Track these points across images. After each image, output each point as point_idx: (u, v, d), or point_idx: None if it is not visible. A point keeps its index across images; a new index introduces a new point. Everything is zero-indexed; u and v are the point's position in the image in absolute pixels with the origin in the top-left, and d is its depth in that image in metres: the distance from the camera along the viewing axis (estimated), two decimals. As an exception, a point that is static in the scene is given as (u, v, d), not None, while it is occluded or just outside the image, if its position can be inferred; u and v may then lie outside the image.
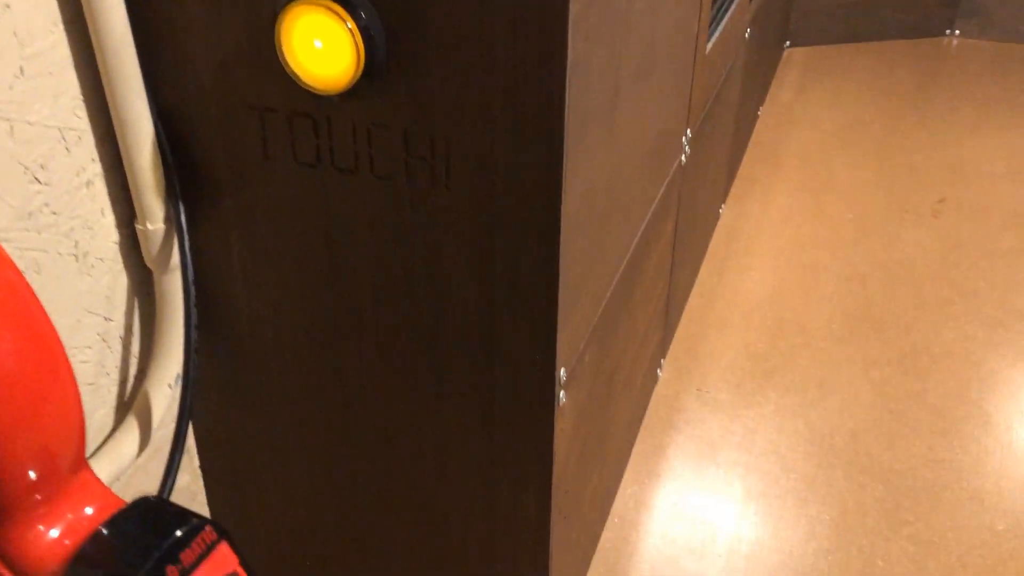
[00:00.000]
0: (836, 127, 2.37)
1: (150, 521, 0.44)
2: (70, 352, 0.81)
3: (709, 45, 1.29)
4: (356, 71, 0.68)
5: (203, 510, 1.04)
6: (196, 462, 1.01)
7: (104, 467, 0.82)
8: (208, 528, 0.44)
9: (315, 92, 0.71)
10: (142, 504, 0.45)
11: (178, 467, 0.79)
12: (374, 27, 0.67)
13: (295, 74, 0.70)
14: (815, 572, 1.16)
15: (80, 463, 0.48)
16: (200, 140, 0.80)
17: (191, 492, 1.01)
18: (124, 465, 0.84)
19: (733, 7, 1.48)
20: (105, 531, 0.44)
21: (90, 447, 0.85)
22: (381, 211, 0.77)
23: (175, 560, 0.42)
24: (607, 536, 1.20)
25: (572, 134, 0.70)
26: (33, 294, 0.46)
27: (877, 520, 1.23)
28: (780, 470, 1.31)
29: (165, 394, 0.88)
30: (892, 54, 2.74)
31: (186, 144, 0.80)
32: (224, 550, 0.45)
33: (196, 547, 0.43)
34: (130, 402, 0.89)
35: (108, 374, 0.86)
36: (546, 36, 0.65)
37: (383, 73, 0.70)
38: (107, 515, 0.46)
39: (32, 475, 0.44)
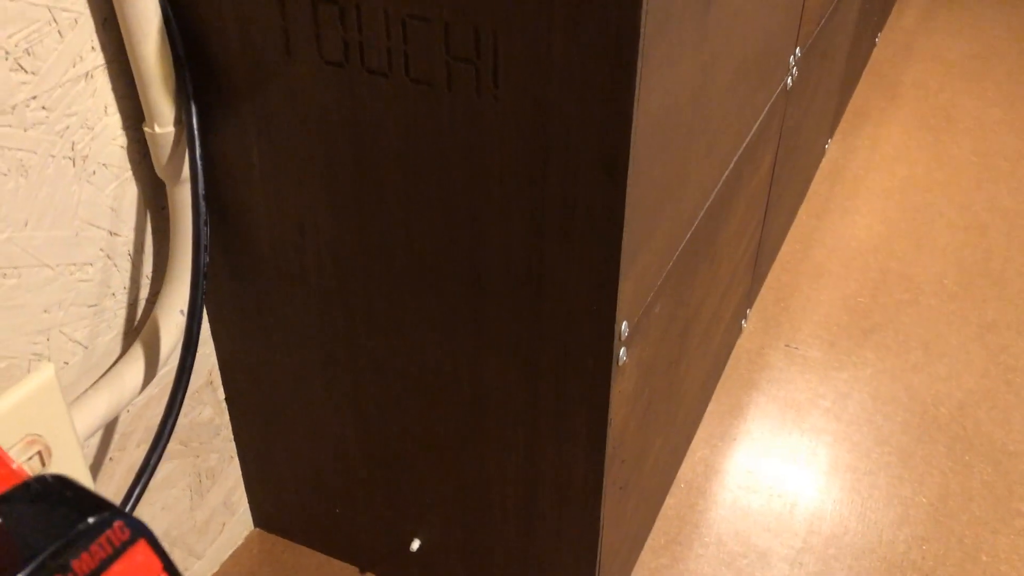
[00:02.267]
0: (963, 57, 2.11)
1: (36, 513, 0.33)
2: (67, 269, 0.71)
3: (829, -52, 1.11)
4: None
5: (228, 446, 0.95)
6: (220, 394, 0.92)
7: (103, 399, 0.73)
8: (118, 524, 0.34)
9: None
10: (33, 487, 0.34)
11: (181, 403, 0.70)
12: None
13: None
14: (906, 562, 1.02)
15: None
16: (214, 29, 0.68)
17: (215, 427, 0.93)
18: (125, 398, 0.75)
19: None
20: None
21: (94, 375, 0.77)
22: (417, 122, 0.64)
23: (64, 568, 0.32)
24: (670, 503, 1.08)
25: (651, 25, 0.55)
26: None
27: (984, 508, 1.08)
28: (873, 442, 1.16)
29: (177, 322, 0.78)
30: (1034, -22, 2.44)
31: (199, 34, 0.69)
32: (142, 552, 0.34)
33: (98, 550, 0.33)
34: (139, 329, 0.80)
35: (114, 295, 0.77)
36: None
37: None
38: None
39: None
